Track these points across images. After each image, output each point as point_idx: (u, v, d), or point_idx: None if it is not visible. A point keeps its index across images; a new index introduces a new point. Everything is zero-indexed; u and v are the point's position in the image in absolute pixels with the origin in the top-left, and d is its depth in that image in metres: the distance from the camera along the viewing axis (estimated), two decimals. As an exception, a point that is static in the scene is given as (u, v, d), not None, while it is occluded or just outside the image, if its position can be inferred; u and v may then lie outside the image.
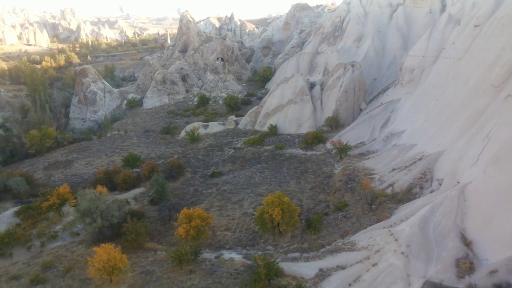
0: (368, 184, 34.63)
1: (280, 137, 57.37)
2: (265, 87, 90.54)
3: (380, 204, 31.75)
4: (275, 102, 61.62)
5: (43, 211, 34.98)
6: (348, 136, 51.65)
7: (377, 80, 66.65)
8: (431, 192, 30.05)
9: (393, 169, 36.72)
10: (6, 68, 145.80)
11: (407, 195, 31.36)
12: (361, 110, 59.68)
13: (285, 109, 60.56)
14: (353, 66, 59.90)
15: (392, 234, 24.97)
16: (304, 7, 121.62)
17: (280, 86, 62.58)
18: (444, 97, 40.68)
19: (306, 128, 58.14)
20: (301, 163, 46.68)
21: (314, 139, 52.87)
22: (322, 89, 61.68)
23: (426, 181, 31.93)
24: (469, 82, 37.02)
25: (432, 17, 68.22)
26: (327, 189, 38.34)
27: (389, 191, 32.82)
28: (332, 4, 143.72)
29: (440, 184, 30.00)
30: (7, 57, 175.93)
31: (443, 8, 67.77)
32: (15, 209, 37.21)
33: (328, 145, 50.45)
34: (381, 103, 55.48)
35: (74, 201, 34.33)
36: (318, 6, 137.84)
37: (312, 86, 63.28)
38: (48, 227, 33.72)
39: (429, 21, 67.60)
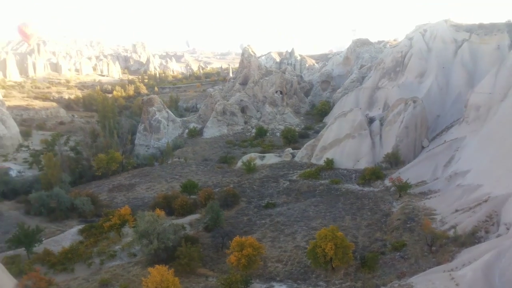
0: (429, 225, 33.05)
1: (337, 172, 56.62)
2: (323, 121, 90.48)
3: (441, 246, 30.12)
4: (332, 136, 61.29)
5: (104, 230, 36.82)
6: (408, 173, 49.86)
7: (441, 117, 64.46)
8: (497, 236, 28.12)
9: (456, 210, 34.88)
10: (81, 96, 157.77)
11: (471, 238, 29.53)
12: (423, 147, 57.72)
13: (342, 143, 59.96)
14: (414, 101, 58.54)
15: (452, 278, 23.52)
16: (365, 43, 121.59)
17: (338, 120, 62.33)
18: (513, 137, 38.49)
19: (364, 163, 56.96)
20: (358, 199, 45.59)
21: (372, 175, 51.57)
22: (381, 124, 60.60)
23: (492, 224, 29.96)
24: (542, 121, 34.87)
25: (501, 53, 65.66)
26: (384, 227, 37.02)
27: (451, 233, 31.10)
28: (395, 40, 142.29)
29: (508, 229, 28.03)
30: (82, 86, 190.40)
31: (513, 44, 65.14)
32: (80, 227, 39.52)
33: (387, 182, 48.94)
34: (445, 140, 53.37)
35: (133, 223, 35.85)
36: (379, 42, 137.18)
37: (371, 121, 62.40)
38: (108, 246, 35.35)
39: (497, 57, 65.03)
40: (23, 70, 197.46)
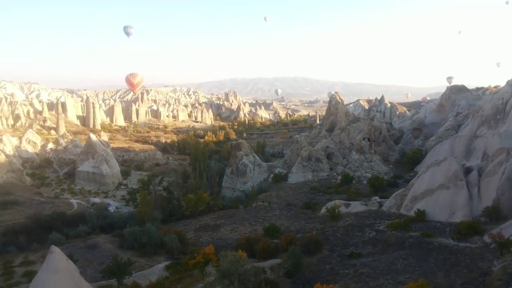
0: (537, 288, 29.18)
1: (428, 224, 52.81)
2: (414, 169, 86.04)
3: (553, 315, 26.30)
4: (424, 186, 57.81)
5: (189, 268, 37.91)
6: (511, 230, 45.01)
7: (551, 170, 57.84)
8: None
9: None
10: (176, 140, 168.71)
11: None
12: (529, 202, 51.93)
13: (435, 194, 56.20)
14: (518, 151, 53.53)
15: None
16: (461, 89, 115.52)
17: (431, 169, 58.85)
18: None
19: (459, 216, 52.53)
20: (452, 254, 41.83)
21: (469, 229, 47.17)
22: (479, 175, 55.97)
23: None
24: None
25: None
26: (482, 287, 33.39)
27: None
28: (495, 87, 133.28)
29: None
30: (178, 131, 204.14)
31: None
32: (166, 263, 41.22)
33: (486, 238, 44.44)
34: (556, 195, 47.65)
35: (216, 262, 36.52)
36: (478, 89, 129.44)
37: (467, 171, 58.00)
38: (191, 284, 36.17)
39: None
40: (127, 116, 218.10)
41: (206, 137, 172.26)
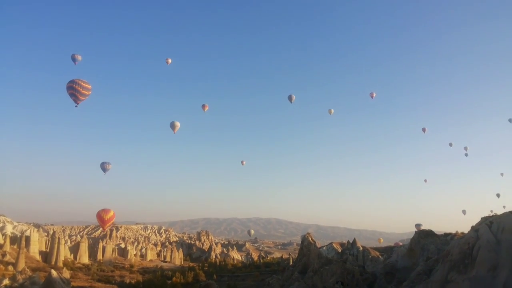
0: None
1: None
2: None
3: None
4: (399, 333, 55.22)
5: None
6: None
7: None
8: None
9: None
10: (141, 280, 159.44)
11: None
12: None
13: None
14: (489, 297, 53.20)
15: None
16: (429, 234, 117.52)
17: (404, 315, 56.98)
18: None
19: None
20: None
21: None
22: (454, 322, 54.35)
23: None
24: None
25: None
26: None
27: None
28: (462, 233, 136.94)
29: None
30: (144, 271, 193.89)
31: None
32: None
33: None
34: None
35: None
36: (446, 234, 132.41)
37: (442, 317, 56.41)
38: None
39: None
40: (93, 253, 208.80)
41: (174, 279, 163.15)
